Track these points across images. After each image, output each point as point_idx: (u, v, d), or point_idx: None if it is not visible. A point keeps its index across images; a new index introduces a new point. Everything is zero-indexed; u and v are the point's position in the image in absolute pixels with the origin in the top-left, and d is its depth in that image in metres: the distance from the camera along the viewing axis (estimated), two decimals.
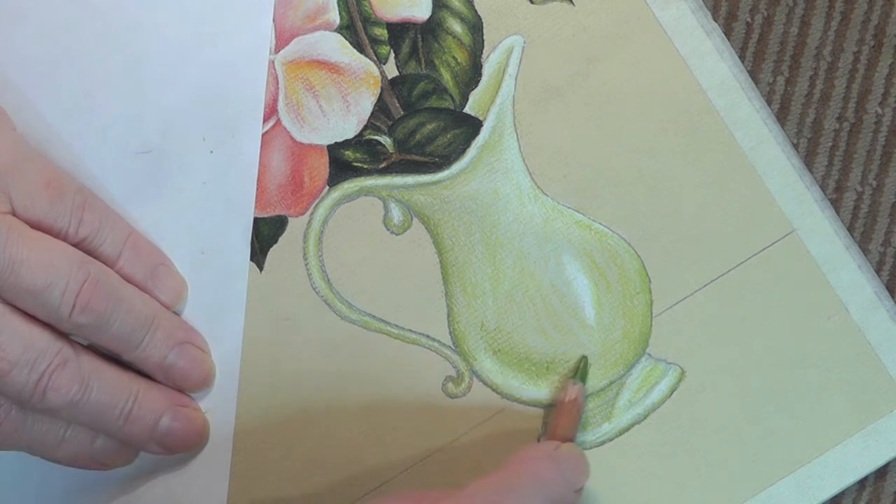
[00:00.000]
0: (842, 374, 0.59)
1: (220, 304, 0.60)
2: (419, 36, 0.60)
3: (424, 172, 0.60)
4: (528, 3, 0.60)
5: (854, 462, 0.59)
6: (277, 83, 0.60)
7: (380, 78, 0.60)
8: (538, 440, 0.59)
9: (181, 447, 0.59)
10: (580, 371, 0.59)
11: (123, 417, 0.57)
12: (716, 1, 0.60)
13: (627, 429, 0.60)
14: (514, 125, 0.60)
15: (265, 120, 0.60)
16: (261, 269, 0.60)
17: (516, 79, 0.60)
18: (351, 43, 0.60)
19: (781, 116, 0.60)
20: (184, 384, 0.59)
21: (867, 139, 0.60)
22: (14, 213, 0.55)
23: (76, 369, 0.56)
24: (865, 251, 0.60)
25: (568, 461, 0.55)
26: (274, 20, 0.60)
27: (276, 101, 0.60)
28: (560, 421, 0.58)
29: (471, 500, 0.51)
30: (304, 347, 0.60)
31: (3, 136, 0.56)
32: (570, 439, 0.57)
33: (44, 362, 0.55)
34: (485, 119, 0.60)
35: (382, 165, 0.60)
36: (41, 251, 0.55)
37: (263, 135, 0.60)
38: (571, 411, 0.58)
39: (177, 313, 0.60)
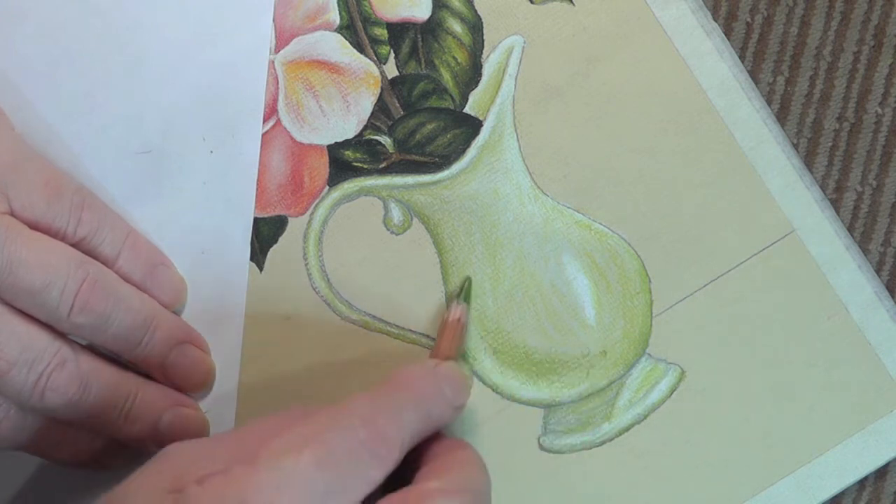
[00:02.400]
0: (842, 374, 0.59)
1: (220, 304, 0.60)
2: (419, 36, 0.60)
3: (424, 172, 0.60)
4: (528, 3, 0.60)
5: (854, 462, 0.59)
6: (277, 83, 0.60)
7: (380, 78, 0.60)
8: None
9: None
10: (464, 291, 0.59)
11: (123, 417, 0.57)
12: (716, 1, 0.60)
13: (627, 429, 0.60)
14: (514, 125, 0.60)
15: (265, 120, 0.60)
16: (261, 269, 0.60)
17: (516, 79, 0.60)
18: (351, 43, 0.60)
19: (781, 116, 0.60)
20: (184, 384, 0.59)
21: (867, 139, 0.60)
22: (12, 213, 0.55)
23: (75, 369, 0.56)
24: (865, 251, 0.60)
25: (447, 378, 0.55)
26: (274, 20, 0.60)
27: (276, 101, 0.60)
28: (443, 340, 0.58)
29: (348, 413, 0.50)
30: (304, 347, 0.60)
31: (1, 136, 0.56)
32: (453, 358, 0.57)
33: (42, 362, 0.55)
34: (485, 119, 0.60)
35: (382, 165, 0.60)
36: (40, 251, 0.55)
37: (263, 135, 0.60)
38: (455, 329, 0.58)
39: (176, 313, 0.60)
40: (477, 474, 0.52)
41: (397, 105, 0.60)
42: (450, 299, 0.60)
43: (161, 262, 0.59)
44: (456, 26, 0.60)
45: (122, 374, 0.58)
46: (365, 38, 0.60)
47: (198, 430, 0.59)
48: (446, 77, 0.60)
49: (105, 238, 0.58)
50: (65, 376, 0.56)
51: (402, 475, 0.51)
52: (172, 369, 0.59)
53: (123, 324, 0.57)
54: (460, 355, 0.59)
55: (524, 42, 0.60)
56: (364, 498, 0.50)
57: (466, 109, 0.60)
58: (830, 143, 0.60)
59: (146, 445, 0.58)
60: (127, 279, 0.58)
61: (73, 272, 0.55)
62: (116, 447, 0.58)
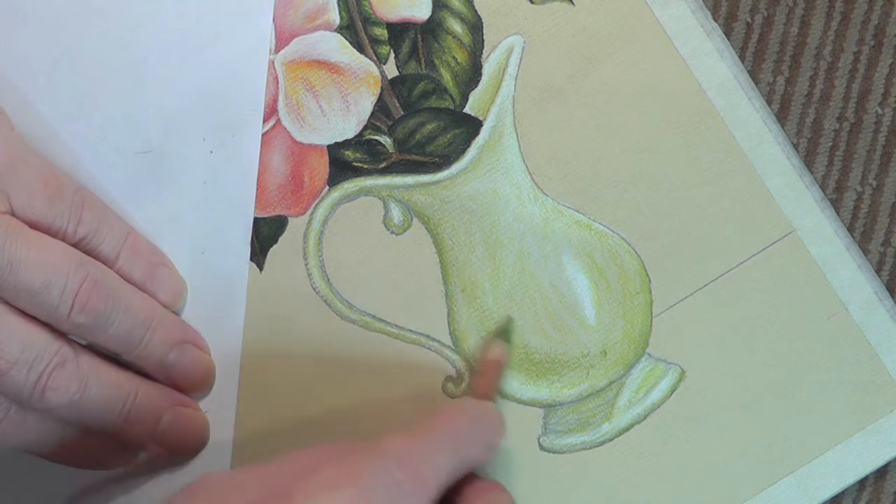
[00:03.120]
0: (842, 374, 0.59)
1: (220, 304, 0.60)
2: (419, 36, 0.60)
3: (424, 172, 0.60)
4: (528, 3, 0.60)
5: (854, 462, 0.59)
6: (277, 83, 0.60)
7: (380, 78, 0.60)
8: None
9: (181, 447, 0.59)
10: (504, 331, 0.59)
11: (123, 417, 0.57)
12: (716, 1, 0.60)
13: (627, 429, 0.60)
14: (514, 125, 0.60)
15: (265, 120, 0.60)
16: (261, 269, 0.60)
17: (516, 79, 0.60)
18: (351, 43, 0.60)
19: (781, 116, 0.60)
20: (184, 384, 0.59)
21: (867, 139, 0.60)
22: (13, 213, 0.55)
23: (75, 369, 0.56)
24: (865, 251, 0.60)
25: (484, 420, 0.55)
26: (274, 20, 0.60)
27: (276, 101, 0.60)
28: (481, 380, 0.58)
29: (382, 454, 0.51)
30: (304, 347, 0.60)
31: (1, 136, 0.56)
32: (490, 398, 0.57)
33: (42, 362, 0.55)
34: (485, 119, 0.60)
35: (382, 165, 0.60)
36: (40, 251, 0.55)
37: (263, 135, 0.60)
38: (493, 370, 0.58)
39: (176, 313, 0.60)
40: None
41: (397, 105, 0.60)
42: (489, 338, 0.59)
43: (161, 262, 0.59)
44: (456, 26, 0.60)
45: (122, 374, 0.58)
46: (365, 38, 0.60)
47: (198, 431, 0.59)
48: (446, 77, 0.60)
49: (105, 238, 0.58)
50: (65, 376, 0.56)
51: None
52: (172, 369, 0.59)
53: (123, 324, 0.57)
54: (497, 395, 0.58)
55: (524, 42, 0.60)
56: None
57: (466, 109, 0.60)
58: (830, 143, 0.60)
59: (146, 445, 0.58)
60: (127, 279, 0.58)
61: (73, 272, 0.55)
62: (116, 447, 0.58)
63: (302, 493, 0.49)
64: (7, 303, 0.55)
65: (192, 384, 0.59)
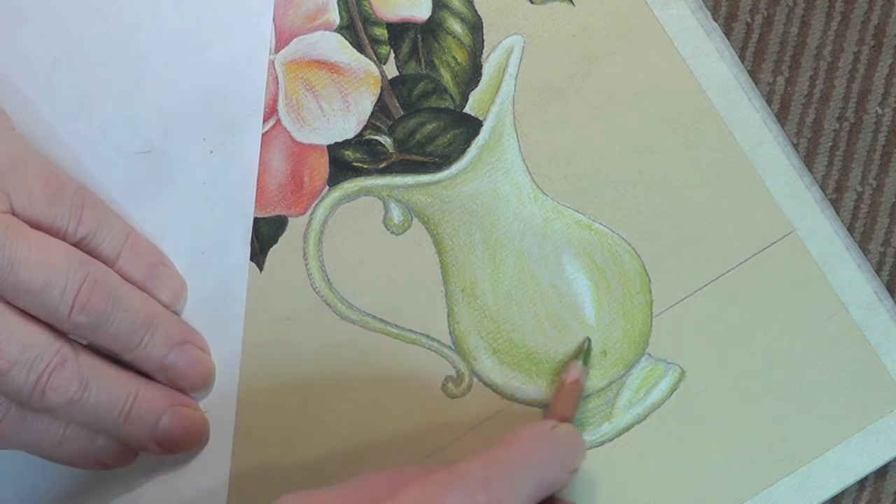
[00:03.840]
0: (842, 374, 0.59)
1: (220, 304, 0.60)
2: (419, 36, 0.60)
3: (424, 172, 0.60)
4: (528, 3, 0.60)
5: (854, 462, 0.59)
6: (277, 83, 0.60)
7: (380, 78, 0.60)
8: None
9: (181, 447, 0.59)
10: (584, 352, 0.59)
11: (123, 417, 0.57)
12: (716, 1, 0.60)
13: (627, 429, 0.60)
14: (514, 125, 0.60)
15: (265, 120, 0.60)
16: (261, 269, 0.60)
17: (516, 79, 0.60)
18: (351, 43, 0.60)
19: (781, 116, 0.60)
20: (184, 384, 0.59)
21: (867, 139, 0.60)
22: (13, 213, 0.55)
23: (75, 369, 0.56)
24: (865, 251, 0.60)
25: (564, 442, 0.55)
26: (274, 20, 0.60)
27: (276, 101, 0.60)
28: (560, 401, 0.58)
29: (462, 476, 0.51)
30: (304, 347, 0.60)
31: (1, 136, 0.56)
32: (569, 420, 0.57)
33: (42, 362, 0.55)
34: (485, 119, 0.60)
35: (382, 165, 0.60)
36: (40, 250, 0.55)
37: (263, 135, 0.60)
38: (572, 392, 0.58)
39: (176, 313, 0.60)
40: None
41: (397, 105, 0.60)
42: (568, 360, 0.59)
43: (161, 262, 0.59)
44: (456, 26, 0.60)
45: (122, 374, 0.58)
46: (365, 38, 0.60)
47: (198, 430, 0.59)
48: (446, 77, 0.60)
49: (105, 238, 0.58)
50: (65, 376, 0.56)
51: None
52: (172, 369, 0.59)
53: (123, 324, 0.57)
54: (575, 417, 0.58)
55: (524, 42, 0.60)
56: None
57: (466, 109, 0.60)
58: (830, 143, 0.60)
59: (146, 445, 0.58)
60: (127, 279, 0.58)
61: (73, 272, 0.55)
62: (117, 447, 0.58)
63: None
64: (7, 302, 0.55)
65: (193, 384, 0.59)
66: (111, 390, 0.57)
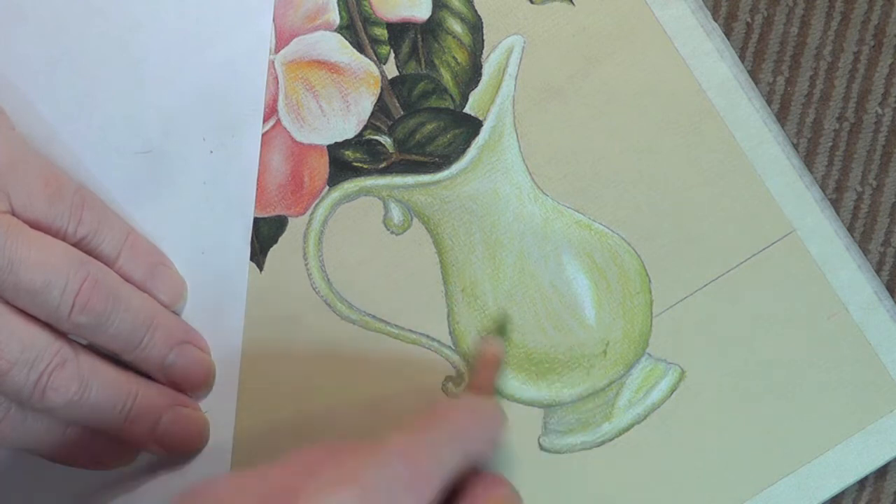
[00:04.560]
0: (842, 374, 0.59)
1: (220, 304, 0.60)
2: (419, 36, 0.60)
3: (424, 172, 0.60)
4: (528, 3, 0.60)
5: (854, 462, 0.59)
6: (277, 83, 0.60)
7: (380, 78, 0.60)
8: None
9: (181, 447, 0.59)
10: (501, 327, 0.59)
11: (123, 417, 0.57)
12: (716, 1, 0.60)
13: (627, 429, 0.60)
14: (514, 125, 0.60)
15: (265, 120, 0.60)
16: (261, 269, 0.60)
17: (516, 79, 0.60)
18: (351, 43, 0.60)
19: (781, 116, 0.60)
20: (184, 384, 0.59)
21: (867, 139, 0.60)
22: (13, 213, 0.55)
23: (75, 369, 0.56)
24: (865, 251, 0.60)
25: (486, 415, 0.55)
26: (274, 20, 0.60)
27: (276, 101, 0.60)
28: (480, 375, 0.58)
29: (385, 451, 0.50)
30: (304, 347, 0.60)
31: (1, 136, 0.56)
32: (489, 394, 0.57)
33: (43, 362, 0.55)
34: (485, 119, 0.60)
35: (382, 165, 0.60)
36: (40, 250, 0.55)
37: (263, 135, 0.60)
38: (491, 366, 0.58)
39: (176, 313, 0.60)
40: None
41: (397, 105, 0.60)
42: (486, 335, 0.60)
43: (161, 261, 0.59)
44: (456, 26, 0.60)
45: (122, 374, 0.58)
46: (365, 38, 0.60)
47: (198, 431, 0.59)
48: (446, 77, 0.60)
49: (105, 238, 0.58)
50: (65, 376, 0.56)
51: None
52: (172, 369, 0.59)
53: (123, 324, 0.57)
54: (496, 391, 0.59)
55: (524, 42, 0.60)
56: None
57: (466, 109, 0.60)
58: (830, 143, 0.60)
59: (146, 445, 0.58)
60: (127, 279, 0.58)
61: (73, 272, 0.55)
62: (117, 447, 0.58)
63: (304, 494, 0.48)
64: (7, 303, 0.55)
65: (192, 384, 0.59)
66: (111, 390, 0.57)
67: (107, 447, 0.58)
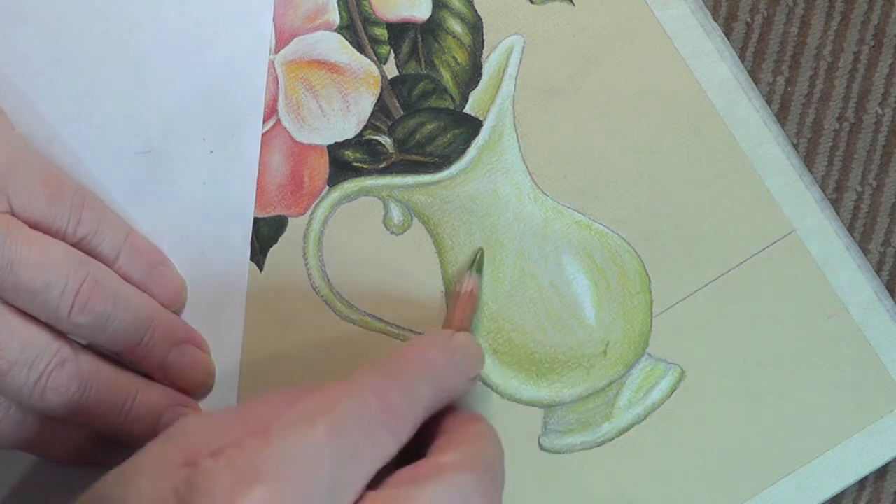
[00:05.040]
0: (842, 374, 0.59)
1: (220, 304, 0.60)
2: (419, 36, 0.60)
3: (424, 172, 0.60)
4: (528, 3, 0.60)
5: (854, 462, 0.59)
6: (277, 83, 0.60)
7: (380, 78, 0.60)
8: None
9: None
10: (476, 263, 0.59)
11: (123, 417, 0.57)
12: (716, 1, 0.60)
13: (627, 429, 0.60)
14: (514, 125, 0.60)
15: (265, 120, 0.60)
16: (261, 269, 0.60)
17: (516, 79, 0.60)
18: (351, 43, 0.60)
19: (781, 116, 0.60)
20: (183, 384, 0.59)
21: (867, 139, 0.60)
22: (13, 213, 0.55)
23: (75, 369, 0.56)
24: (865, 251, 0.60)
25: (461, 349, 0.55)
26: (274, 20, 0.60)
27: (276, 101, 0.60)
28: (456, 312, 0.58)
29: (360, 386, 0.50)
30: (304, 347, 0.60)
31: (1, 136, 0.56)
32: (466, 329, 0.57)
33: (42, 362, 0.55)
34: (485, 119, 0.60)
35: (382, 165, 0.60)
36: (40, 250, 0.55)
37: (263, 135, 0.60)
38: (468, 302, 0.58)
39: (176, 313, 0.60)
40: (490, 448, 0.52)
41: (397, 105, 0.60)
42: (461, 271, 0.60)
43: (161, 261, 0.59)
44: (456, 26, 0.60)
45: (122, 374, 0.58)
46: (365, 38, 0.60)
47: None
48: (446, 77, 0.60)
49: (105, 238, 0.58)
50: (65, 376, 0.56)
51: (416, 448, 0.51)
52: (172, 369, 0.59)
53: (123, 323, 0.57)
54: (472, 326, 0.59)
55: (524, 42, 0.60)
56: (377, 471, 0.49)
57: (466, 109, 0.60)
58: (830, 143, 0.60)
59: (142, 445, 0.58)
60: (127, 279, 0.58)
61: (73, 272, 0.55)
62: (118, 447, 0.58)
63: (277, 427, 0.48)
64: (7, 303, 0.55)
65: (192, 384, 0.59)
66: (111, 390, 0.57)
67: (107, 447, 0.58)
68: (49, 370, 0.55)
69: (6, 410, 0.56)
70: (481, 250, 0.60)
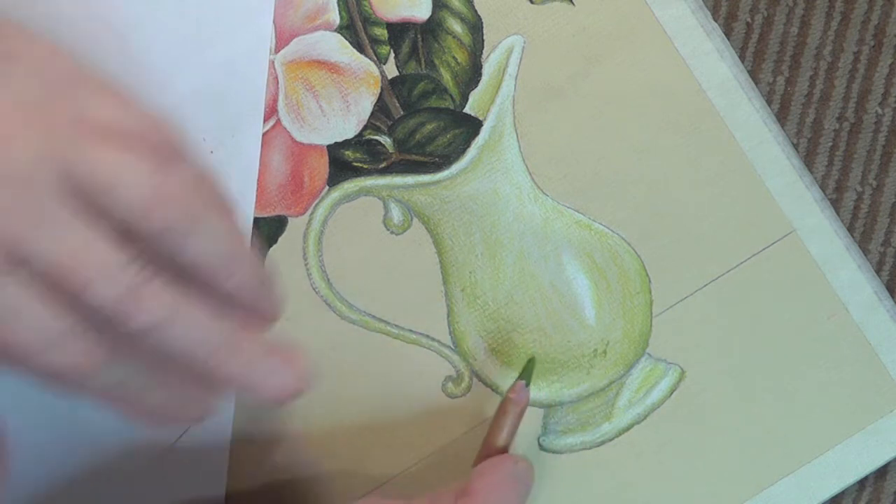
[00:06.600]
0: (842, 374, 0.60)
1: None
2: (419, 36, 0.60)
3: (424, 172, 0.60)
4: (528, 3, 0.60)
5: (854, 462, 0.59)
6: (277, 83, 0.60)
7: (380, 78, 0.60)
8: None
9: (278, 392, 0.54)
10: (526, 371, 0.59)
11: (211, 348, 0.52)
12: (716, 1, 0.60)
13: (627, 429, 0.60)
14: (514, 125, 0.60)
15: (265, 120, 0.60)
16: None
17: (516, 79, 0.60)
18: (351, 43, 0.60)
19: (781, 116, 0.60)
20: (264, 315, 0.54)
21: (867, 139, 0.60)
22: (82, 121, 0.52)
23: (160, 288, 0.51)
24: (865, 251, 0.60)
25: (526, 479, 0.56)
26: (274, 20, 0.60)
27: (276, 101, 0.60)
28: (510, 427, 0.57)
29: None
30: (304, 347, 0.60)
31: (60, 57, 0.52)
32: (511, 441, 0.57)
33: (126, 276, 0.51)
34: (485, 119, 0.60)
35: (382, 165, 0.60)
36: (114, 151, 0.51)
37: (263, 135, 0.60)
38: (519, 416, 0.58)
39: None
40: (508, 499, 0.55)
41: (397, 105, 0.60)
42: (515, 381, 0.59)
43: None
44: (456, 26, 0.60)
45: (209, 308, 0.53)
46: (365, 38, 0.60)
47: (297, 372, 0.53)
48: (446, 77, 0.60)
49: (179, 147, 0.53)
50: (150, 293, 0.51)
51: None
52: (255, 302, 0.54)
53: (206, 241, 0.52)
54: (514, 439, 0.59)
55: (524, 42, 0.60)
56: None
57: (466, 109, 0.60)
58: (830, 143, 0.60)
59: (240, 386, 0.53)
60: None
61: (150, 173, 0.51)
62: (204, 392, 0.54)
63: None
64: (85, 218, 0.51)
65: (267, 314, 0.54)
66: (198, 319, 0.52)
67: (194, 393, 0.54)
68: (134, 285, 0.51)
69: (88, 343, 0.51)
70: (533, 360, 0.59)
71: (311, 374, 0.53)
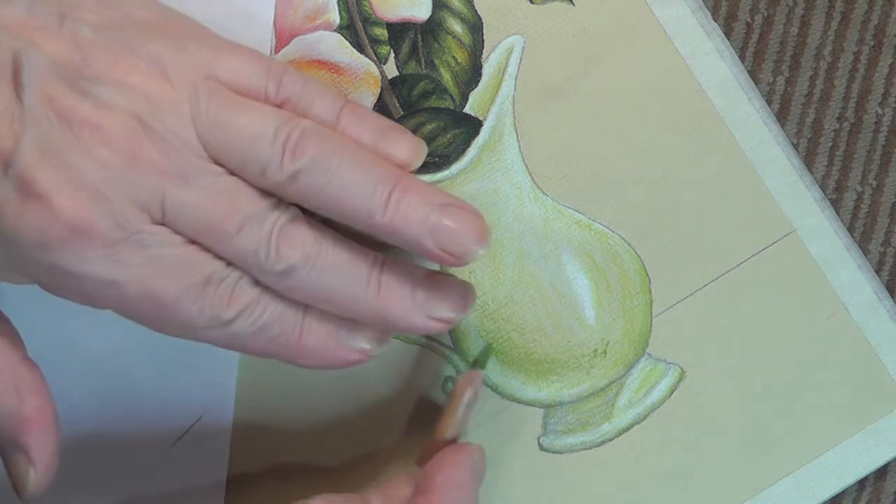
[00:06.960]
0: (842, 374, 0.60)
1: None
2: (419, 36, 0.60)
3: (424, 172, 0.60)
4: (528, 3, 0.60)
5: (854, 462, 0.59)
6: None
7: (380, 78, 0.60)
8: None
9: (461, 247, 0.52)
10: (480, 360, 0.59)
11: (372, 285, 0.52)
12: (716, 1, 0.60)
13: (627, 429, 0.60)
14: (514, 125, 0.60)
15: None
16: None
17: (516, 79, 0.60)
18: (351, 43, 0.60)
19: (781, 116, 0.60)
20: (456, 248, 0.52)
21: (867, 139, 0.60)
22: (212, 78, 0.52)
23: (307, 226, 0.51)
24: (865, 251, 0.60)
25: (482, 468, 0.56)
26: (274, 20, 0.60)
27: None
28: (460, 414, 0.57)
29: None
30: None
31: (183, 17, 0.53)
32: (462, 430, 0.57)
33: (273, 215, 0.51)
34: (485, 119, 0.60)
35: None
36: (246, 109, 0.51)
37: None
38: (470, 406, 0.57)
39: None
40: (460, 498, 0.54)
41: (397, 105, 0.60)
42: (465, 370, 0.59)
43: (391, 126, 0.54)
44: (456, 26, 0.60)
45: (357, 242, 0.52)
46: (365, 38, 0.60)
47: (464, 295, 0.54)
48: (446, 77, 0.60)
49: (313, 102, 0.53)
50: (299, 232, 0.51)
51: None
52: (439, 232, 0.52)
53: (354, 175, 0.51)
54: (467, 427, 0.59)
55: (524, 42, 0.60)
56: None
57: (466, 109, 0.60)
58: (830, 143, 0.60)
59: (407, 321, 0.53)
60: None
61: (282, 123, 0.51)
62: (370, 332, 0.54)
63: None
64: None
65: (468, 247, 0.52)
66: (351, 254, 0.52)
67: (357, 328, 0.53)
68: (280, 225, 0.51)
69: (242, 286, 0.51)
70: (489, 347, 0.59)
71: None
